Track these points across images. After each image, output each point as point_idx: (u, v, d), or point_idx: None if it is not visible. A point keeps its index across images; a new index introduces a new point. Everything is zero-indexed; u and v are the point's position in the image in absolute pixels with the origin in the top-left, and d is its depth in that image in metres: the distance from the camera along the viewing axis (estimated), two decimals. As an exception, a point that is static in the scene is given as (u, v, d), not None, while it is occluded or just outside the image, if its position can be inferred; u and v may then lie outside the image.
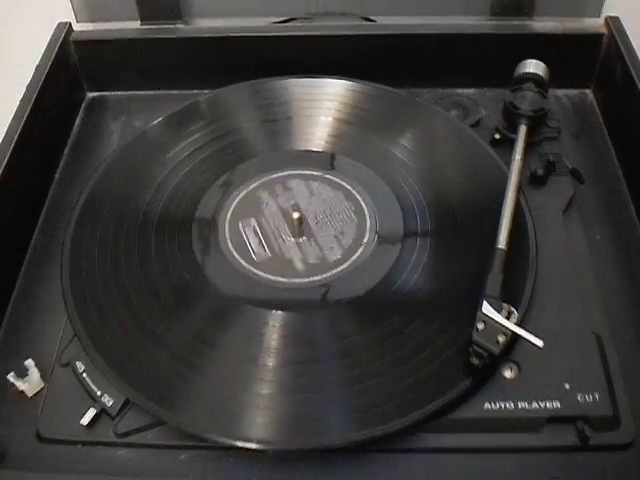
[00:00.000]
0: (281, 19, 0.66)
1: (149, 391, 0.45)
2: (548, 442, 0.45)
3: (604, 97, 0.66)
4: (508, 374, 0.47)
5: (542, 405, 0.45)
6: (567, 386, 0.46)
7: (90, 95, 0.69)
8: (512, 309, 0.46)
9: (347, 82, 0.62)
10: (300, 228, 0.53)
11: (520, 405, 0.46)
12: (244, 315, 0.49)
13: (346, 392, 0.46)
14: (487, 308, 0.46)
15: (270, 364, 0.47)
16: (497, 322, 0.45)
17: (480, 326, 0.45)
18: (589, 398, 0.46)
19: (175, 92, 0.66)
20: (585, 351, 0.48)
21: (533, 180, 0.56)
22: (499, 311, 0.45)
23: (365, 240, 0.53)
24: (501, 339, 0.45)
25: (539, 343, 0.45)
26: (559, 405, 0.45)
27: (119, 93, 0.68)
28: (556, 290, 0.51)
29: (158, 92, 0.67)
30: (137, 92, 0.68)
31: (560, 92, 0.67)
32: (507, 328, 0.45)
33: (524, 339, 0.45)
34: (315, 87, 0.62)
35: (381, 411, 0.44)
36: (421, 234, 0.53)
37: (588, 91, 0.68)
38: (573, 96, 0.67)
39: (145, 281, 0.51)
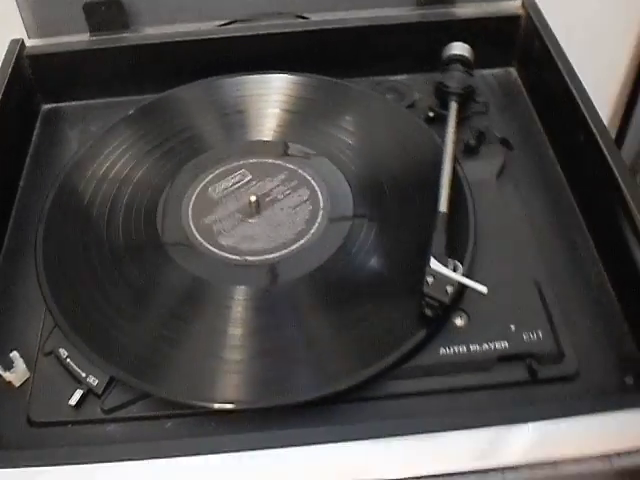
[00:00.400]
0: (224, 22, 0.70)
1: (131, 367, 0.48)
2: (500, 379, 0.50)
3: (526, 73, 0.71)
4: (459, 322, 0.52)
5: (492, 346, 0.50)
6: (513, 327, 0.51)
7: (45, 107, 0.72)
8: (457, 263, 0.51)
9: (290, 76, 0.67)
10: (257, 210, 0.57)
11: (472, 348, 0.50)
12: (210, 292, 0.53)
13: (311, 352, 0.50)
14: (434, 263, 0.50)
15: (238, 333, 0.50)
16: (444, 275, 0.50)
17: (430, 280, 0.50)
18: (533, 336, 0.51)
19: (129, 98, 0.70)
20: (526, 295, 0.53)
21: (467, 151, 0.61)
22: (445, 265, 0.50)
23: (318, 219, 0.57)
24: (449, 289, 0.49)
25: (483, 290, 0.50)
26: (507, 345, 0.50)
27: (74, 103, 0.71)
28: (496, 245, 0.56)
29: (112, 99, 0.70)
30: (92, 101, 0.71)
31: (486, 72, 0.72)
32: (453, 279, 0.49)
33: (470, 288, 0.50)
34: (262, 82, 0.67)
35: (346, 366, 0.49)
36: (370, 207, 0.58)
37: (512, 69, 0.73)
38: (499, 74, 0.73)
39: (116, 268, 0.54)
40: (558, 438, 0.45)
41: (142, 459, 0.44)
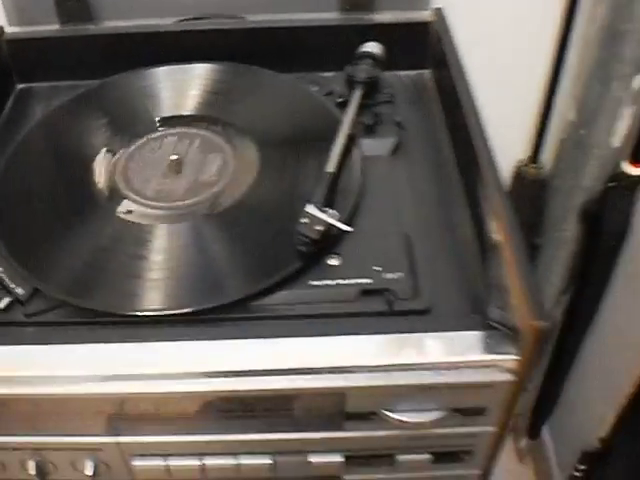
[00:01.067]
0: (175, 20, 0.81)
1: (52, 281, 0.59)
2: (363, 309, 0.59)
3: (436, 74, 0.82)
4: (332, 262, 0.61)
5: (356, 281, 0.59)
6: (378, 268, 0.60)
7: (19, 86, 0.83)
8: (333, 211, 0.61)
9: (214, 65, 0.79)
10: (179, 167, 0.68)
11: (339, 282, 0.60)
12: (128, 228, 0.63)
13: (206, 274, 0.60)
14: (310, 207, 0.60)
15: (153, 258, 0.61)
16: (316, 217, 0.59)
17: (304, 221, 0.59)
18: (394, 276, 0.60)
19: (90, 81, 0.80)
20: (395, 245, 0.62)
21: (365, 130, 0.72)
22: (321, 211, 0.60)
23: (229, 172, 0.67)
24: (319, 228, 0.59)
25: (348, 229, 0.60)
26: (371, 281, 0.59)
27: (44, 84, 0.83)
28: (379, 206, 0.66)
29: (77, 82, 0.81)
30: (59, 82, 0.82)
31: (403, 73, 0.83)
32: (323, 220, 0.59)
33: (335, 227, 0.59)
34: (189, 71, 0.79)
35: (232, 285, 0.59)
36: (271, 165, 0.68)
37: (427, 71, 0.84)
38: (414, 75, 0.83)
39: (53, 205, 0.65)
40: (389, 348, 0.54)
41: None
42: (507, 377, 0.54)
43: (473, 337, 0.54)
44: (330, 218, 0.59)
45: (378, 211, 0.65)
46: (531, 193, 0.98)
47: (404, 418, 0.57)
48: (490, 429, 0.60)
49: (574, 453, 1.12)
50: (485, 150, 0.64)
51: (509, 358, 0.53)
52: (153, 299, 0.58)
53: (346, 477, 0.65)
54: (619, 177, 0.88)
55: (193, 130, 0.72)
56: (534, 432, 1.26)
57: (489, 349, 0.54)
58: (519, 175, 0.98)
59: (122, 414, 0.57)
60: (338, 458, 0.61)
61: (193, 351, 0.54)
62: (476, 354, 0.54)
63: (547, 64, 0.90)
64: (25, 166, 0.69)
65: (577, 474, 1.11)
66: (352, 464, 0.63)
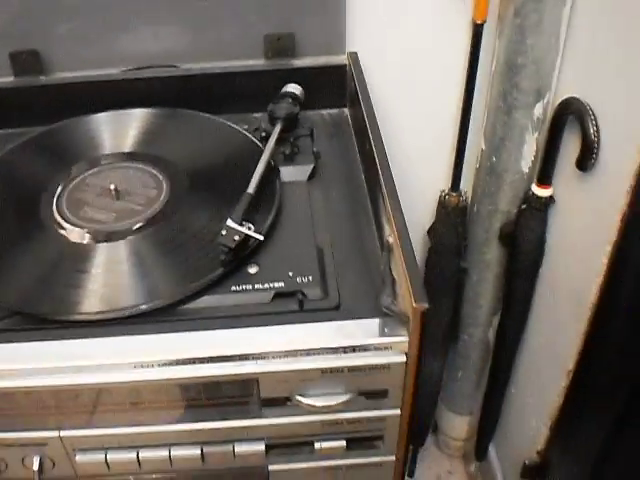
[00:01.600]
0: (118, 70, 0.91)
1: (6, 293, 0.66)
2: (278, 309, 0.66)
3: (352, 112, 0.91)
4: (251, 270, 0.69)
5: (271, 285, 0.67)
6: (291, 274, 0.68)
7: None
8: (250, 225, 0.69)
9: (151, 109, 0.89)
10: (117, 196, 0.76)
11: (256, 286, 0.67)
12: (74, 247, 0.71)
13: (140, 282, 0.67)
14: (229, 222, 0.68)
15: (93, 271, 0.68)
16: (234, 229, 0.67)
17: (224, 233, 0.67)
18: (305, 279, 0.68)
19: (42, 128, 0.89)
20: (307, 254, 0.70)
21: (285, 159, 0.81)
22: (238, 224, 0.68)
23: (161, 198, 0.76)
24: (236, 238, 0.67)
25: (260, 237, 0.68)
26: (283, 285, 0.67)
27: (-1, 131, 0.92)
28: (296, 223, 0.74)
29: (30, 129, 0.89)
30: (13, 130, 0.91)
31: (324, 111, 0.93)
32: (239, 230, 0.67)
33: (250, 236, 0.67)
34: (129, 115, 0.88)
35: (166, 290, 0.66)
36: (202, 192, 0.76)
37: (345, 109, 0.93)
38: (334, 113, 0.93)
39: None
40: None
41: None
42: (400, 358, 0.62)
43: (370, 323, 0.62)
44: (245, 229, 0.67)
45: (294, 227, 0.74)
46: (454, 220, 1.07)
47: (314, 402, 0.64)
48: (395, 412, 0.67)
49: (518, 468, 1.18)
50: (387, 170, 0.72)
51: (400, 340, 0.61)
52: (94, 305, 0.65)
53: (271, 467, 0.71)
54: (530, 199, 0.97)
55: (131, 164, 0.81)
56: (481, 454, 1.31)
57: (383, 333, 0.61)
58: (442, 204, 1.07)
59: (63, 407, 0.63)
60: (260, 446, 0.68)
61: (125, 345, 0.61)
62: (372, 337, 0.61)
63: (458, 99, 1.00)
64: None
65: (519, 488, 1.17)
66: (274, 453, 0.69)
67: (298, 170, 0.81)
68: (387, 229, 0.68)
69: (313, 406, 0.64)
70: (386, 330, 0.62)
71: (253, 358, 0.61)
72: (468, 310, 1.15)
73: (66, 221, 0.73)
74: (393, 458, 0.72)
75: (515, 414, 1.22)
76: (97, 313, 0.65)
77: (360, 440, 0.69)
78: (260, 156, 0.77)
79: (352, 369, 0.62)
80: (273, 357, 0.61)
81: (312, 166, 0.81)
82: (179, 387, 0.63)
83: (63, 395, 0.63)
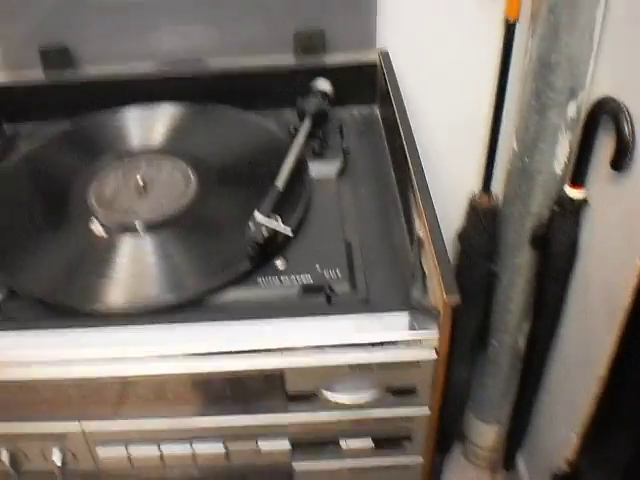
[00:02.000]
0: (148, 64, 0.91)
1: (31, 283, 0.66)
2: (304, 303, 0.65)
3: (382, 109, 0.90)
4: (279, 264, 0.68)
5: (299, 279, 0.66)
6: (318, 268, 0.67)
7: (5, 127, 0.92)
8: (278, 217, 0.68)
9: (181, 105, 0.88)
10: (146, 188, 0.75)
11: (284, 280, 0.66)
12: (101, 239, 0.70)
13: (167, 275, 0.67)
14: (257, 215, 0.67)
15: (120, 263, 0.68)
16: (262, 223, 0.66)
17: (252, 227, 0.66)
18: (333, 274, 0.66)
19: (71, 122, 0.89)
20: (335, 248, 0.69)
21: (314, 155, 0.80)
22: (267, 217, 0.67)
23: (189, 192, 0.75)
24: (265, 233, 0.66)
25: (288, 232, 0.67)
26: (311, 279, 0.66)
27: (28, 125, 0.91)
28: (325, 218, 0.73)
29: (59, 123, 0.90)
30: (42, 123, 0.91)
31: (354, 109, 0.92)
32: (267, 225, 0.66)
33: (278, 231, 0.66)
34: (158, 110, 0.88)
35: (191, 283, 0.65)
36: (231, 187, 0.76)
37: (375, 106, 0.92)
38: (364, 111, 0.92)
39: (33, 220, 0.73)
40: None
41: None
42: (430, 354, 0.60)
43: (399, 318, 0.61)
44: (273, 223, 0.66)
45: (322, 222, 0.73)
46: (485, 223, 1.05)
47: (341, 398, 0.62)
48: (424, 411, 0.65)
49: (546, 478, 1.15)
50: (418, 164, 0.71)
51: (430, 335, 0.59)
52: (120, 297, 0.65)
53: (295, 466, 0.69)
54: (563, 201, 0.95)
55: (160, 159, 0.80)
56: (509, 463, 1.29)
57: (413, 327, 0.60)
58: (473, 206, 1.05)
59: (85, 399, 0.63)
60: (285, 443, 0.66)
61: (150, 337, 0.60)
62: (402, 332, 0.60)
63: (490, 98, 0.98)
64: (7, 190, 0.77)
65: (548, 498, 1.14)
66: (299, 451, 0.68)
67: (327, 166, 0.80)
68: (418, 223, 0.66)
69: (340, 402, 0.62)
70: (416, 325, 0.60)
71: (280, 352, 0.60)
72: (498, 315, 1.13)
73: (94, 213, 0.73)
74: (420, 460, 0.70)
75: (545, 423, 1.19)
76: (122, 304, 0.64)
77: (387, 440, 0.68)
78: (289, 152, 0.76)
79: (381, 365, 0.61)
80: (300, 351, 0.60)
81: (341, 162, 0.80)
82: (204, 380, 0.62)
83: (86, 386, 0.62)
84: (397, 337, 0.60)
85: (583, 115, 0.90)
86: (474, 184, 1.07)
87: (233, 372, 0.61)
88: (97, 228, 0.71)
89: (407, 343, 0.60)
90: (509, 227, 1.04)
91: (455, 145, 1.04)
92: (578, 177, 0.93)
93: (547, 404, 1.17)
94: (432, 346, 0.60)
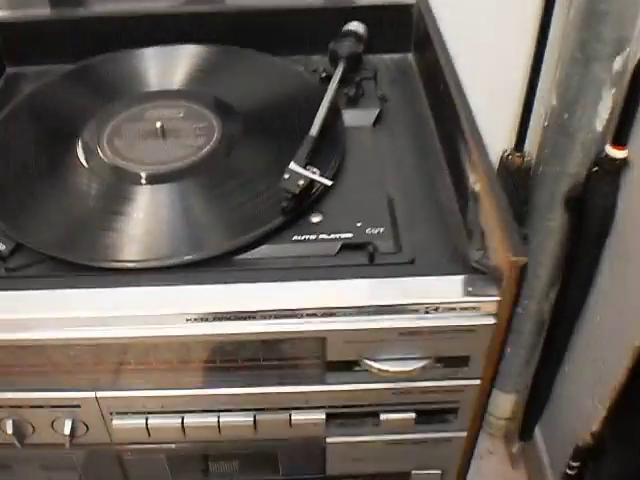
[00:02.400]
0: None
1: (38, 236, 0.59)
2: (345, 262, 0.59)
3: (418, 56, 0.83)
4: (315, 219, 0.61)
5: (338, 236, 0.60)
6: (359, 224, 0.60)
7: (9, 70, 0.84)
8: (314, 169, 0.61)
9: (200, 46, 0.80)
10: (164, 134, 0.68)
11: (321, 237, 0.60)
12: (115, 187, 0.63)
13: (192, 227, 0.60)
14: (292, 165, 0.60)
15: (136, 216, 0.61)
16: (298, 172, 0.60)
17: (286, 176, 0.60)
18: (376, 231, 0.60)
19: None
20: (376, 202, 0.63)
21: (348, 102, 0.73)
22: (303, 167, 0.60)
23: (213, 139, 0.68)
24: (300, 183, 0.59)
25: (327, 182, 0.60)
26: (351, 236, 0.60)
27: (34, 67, 0.84)
28: (362, 171, 0.66)
29: (67, 65, 0.82)
30: (49, 66, 0.83)
31: (387, 56, 0.84)
32: (303, 174, 0.60)
33: (316, 181, 0.60)
34: (176, 51, 0.80)
35: (218, 238, 0.59)
36: (258, 135, 0.69)
37: (410, 54, 0.85)
38: (397, 58, 0.85)
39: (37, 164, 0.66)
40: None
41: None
42: (489, 320, 0.54)
43: (455, 281, 0.55)
44: (310, 173, 0.60)
45: (360, 174, 0.66)
46: (516, 182, 0.99)
47: (386, 367, 0.57)
48: (475, 383, 0.59)
49: (566, 451, 1.11)
50: (468, 112, 0.65)
51: (490, 299, 0.53)
52: (135, 253, 0.58)
53: (329, 440, 0.64)
54: (603, 161, 0.89)
55: (180, 103, 0.73)
56: (527, 434, 1.24)
57: (470, 291, 0.54)
58: (504, 164, 0.99)
59: (101, 364, 0.57)
60: (320, 416, 0.61)
61: (173, 295, 0.54)
62: (458, 296, 0.54)
63: (528, 49, 0.91)
64: (11, 133, 0.70)
65: (570, 472, 1.10)
66: (334, 424, 0.62)
67: (362, 114, 0.73)
68: (472, 177, 0.60)
69: (386, 371, 0.57)
70: (471, 289, 0.54)
71: (321, 314, 0.54)
72: (525, 280, 1.07)
73: (107, 160, 0.66)
74: (464, 434, 0.65)
75: (567, 393, 1.14)
76: (142, 260, 0.57)
77: (430, 413, 0.62)
78: (320, 98, 0.69)
79: (433, 331, 0.55)
80: (343, 314, 0.54)
81: (378, 110, 0.73)
82: (235, 345, 0.56)
83: (102, 350, 0.56)
84: (452, 300, 0.54)
85: (630, 69, 0.84)
86: (505, 142, 1.00)
87: (268, 335, 0.55)
88: (109, 176, 0.64)
89: (463, 307, 0.54)
90: (542, 188, 0.98)
91: (487, 99, 0.96)
92: (620, 136, 0.87)
93: (571, 374, 1.12)
94: (491, 311, 0.54)
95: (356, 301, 0.54)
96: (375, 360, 0.57)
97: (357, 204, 0.62)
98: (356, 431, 0.63)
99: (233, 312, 0.53)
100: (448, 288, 0.54)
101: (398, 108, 0.76)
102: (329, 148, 0.66)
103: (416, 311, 0.54)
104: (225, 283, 0.55)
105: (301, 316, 0.54)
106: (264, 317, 0.54)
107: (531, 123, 0.97)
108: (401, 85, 0.80)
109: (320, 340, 0.55)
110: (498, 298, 0.53)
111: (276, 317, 0.54)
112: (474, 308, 0.54)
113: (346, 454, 0.65)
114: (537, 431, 1.25)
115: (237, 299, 0.54)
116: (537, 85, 0.93)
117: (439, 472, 0.69)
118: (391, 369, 0.57)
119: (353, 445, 0.64)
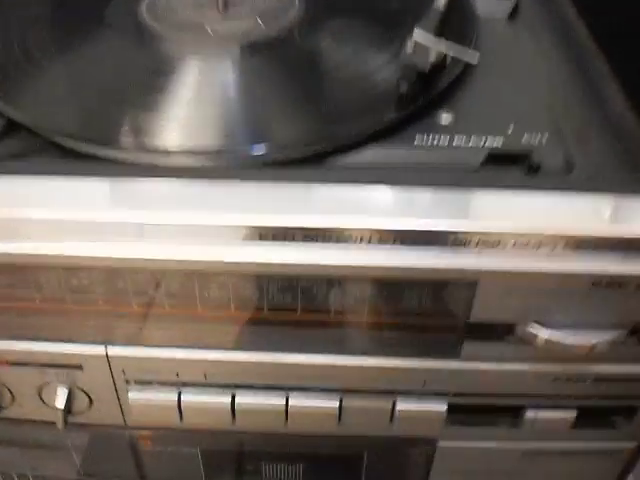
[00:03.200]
0: None
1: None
2: (491, 179, 0.39)
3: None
4: (444, 121, 0.42)
5: (481, 142, 0.40)
6: (512, 127, 0.41)
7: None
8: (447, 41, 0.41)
9: None
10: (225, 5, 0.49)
11: (456, 141, 0.40)
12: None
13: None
14: (418, 33, 0.41)
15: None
16: (425, 45, 0.40)
17: (410, 50, 0.40)
18: (534, 139, 0.41)
19: None
20: (528, 104, 0.44)
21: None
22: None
23: (290, 13, 0.49)
24: (431, 58, 0.40)
25: (473, 59, 0.40)
26: (501, 142, 0.40)
27: None
28: (500, 67, 0.47)
29: None
30: None
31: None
32: (436, 47, 0.40)
33: (456, 56, 0.40)
34: None
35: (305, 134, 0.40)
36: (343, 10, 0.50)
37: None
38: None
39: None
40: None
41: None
42: None
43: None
44: (449, 43, 0.40)
45: (498, 72, 0.47)
46: None
47: (558, 337, 0.36)
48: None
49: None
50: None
51: None
52: (191, 143, 0.39)
53: (442, 444, 0.44)
54: None
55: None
56: None
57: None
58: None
59: (118, 303, 0.37)
60: (439, 406, 0.41)
61: (239, 200, 0.34)
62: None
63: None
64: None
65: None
66: (456, 420, 0.42)
67: (496, 4, 0.54)
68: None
69: (556, 344, 0.36)
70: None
71: (471, 243, 0.34)
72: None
73: (152, 24, 0.47)
74: (632, 445, 0.44)
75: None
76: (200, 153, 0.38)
77: (597, 413, 0.42)
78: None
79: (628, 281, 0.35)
80: (504, 245, 0.34)
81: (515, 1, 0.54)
82: (325, 285, 0.36)
83: (121, 279, 0.36)
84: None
85: None
86: None
87: (383, 270, 0.35)
88: (157, 44, 0.45)
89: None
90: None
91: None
92: None
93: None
94: None
95: (522, 224, 0.34)
96: (542, 324, 0.36)
97: (503, 104, 0.43)
98: (484, 433, 0.43)
99: (326, 229, 0.33)
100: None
101: (534, 3, 0.56)
102: (458, 30, 0.46)
103: (613, 249, 0.34)
104: (320, 183, 0.35)
105: (443, 243, 0.34)
106: (380, 241, 0.34)
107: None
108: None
109: (467, 287, 0.35)
110: None
111: (401, 242, 0.34)
112: None
113: (461, 465, 0.45)
114: None
115: (334, 209, 0.34)
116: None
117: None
118: (566, 341, 0.36)
119: (477, 453, 0.44)
